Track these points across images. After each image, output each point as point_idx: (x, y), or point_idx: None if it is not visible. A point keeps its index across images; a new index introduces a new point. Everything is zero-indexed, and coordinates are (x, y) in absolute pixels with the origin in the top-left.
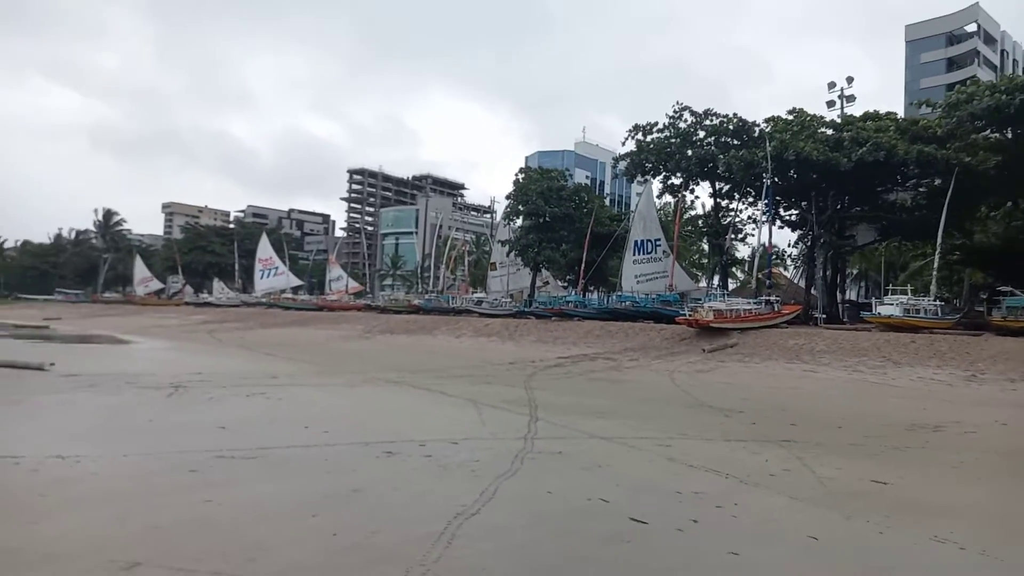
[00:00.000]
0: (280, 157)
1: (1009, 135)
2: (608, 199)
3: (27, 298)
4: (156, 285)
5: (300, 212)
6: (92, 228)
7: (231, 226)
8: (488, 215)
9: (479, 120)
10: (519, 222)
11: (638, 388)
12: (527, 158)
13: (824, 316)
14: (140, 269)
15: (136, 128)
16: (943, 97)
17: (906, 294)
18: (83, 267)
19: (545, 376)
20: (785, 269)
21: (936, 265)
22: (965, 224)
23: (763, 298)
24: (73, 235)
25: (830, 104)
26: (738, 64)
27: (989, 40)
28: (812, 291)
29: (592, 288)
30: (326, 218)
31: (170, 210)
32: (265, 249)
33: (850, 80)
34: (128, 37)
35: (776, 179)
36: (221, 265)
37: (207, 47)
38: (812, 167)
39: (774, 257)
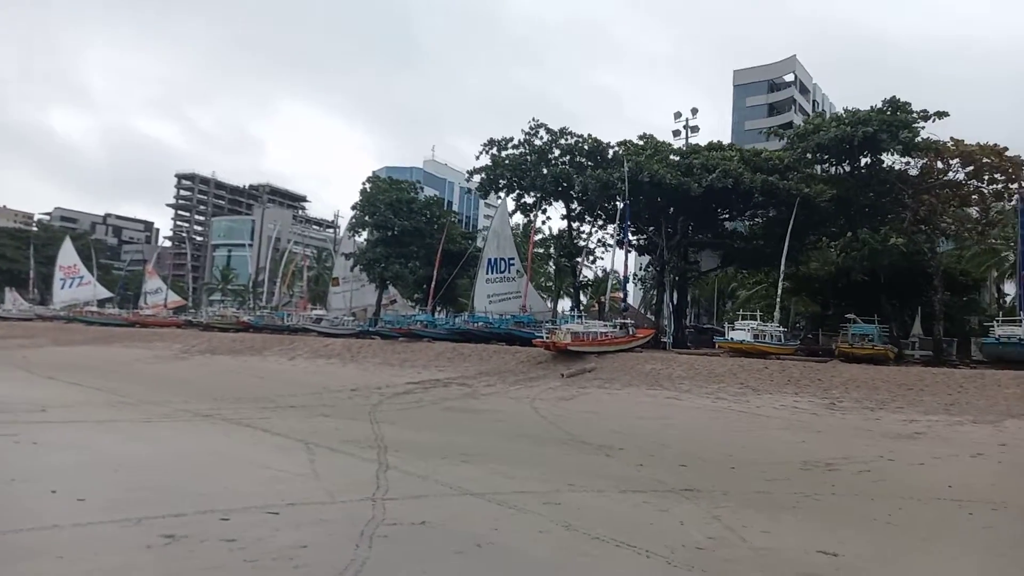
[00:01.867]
0: (105, 157)
1: (847, 168)
2: (456, 219)
3: None
4: None
5: (118, 218)
6: None
7: (28, 227)
8: (332, 230)
9: (334, 136)
10: (365, 235)
11: (500, 420)
12: (375, 172)
13: (671, 341)
14: None
15: None
16: (764, 138)
17: (755, 319)
18: None
19: (393, 405)
20: (625, 293)
21: (780, 291)
22: (799, 255)
23: (618, 321)
24: None
25: (676, 133)
26: (594, 99)
27: (804, 90)
28: (653, 316)
29: (440, 308)
30: (149, 226)
31: None
32: (68, 256)
33: (694, 111)
34: None
35: (629, 201)
36: (14, 272)
37: (31, 30)
38: (665, 191)
39: (615, 282)
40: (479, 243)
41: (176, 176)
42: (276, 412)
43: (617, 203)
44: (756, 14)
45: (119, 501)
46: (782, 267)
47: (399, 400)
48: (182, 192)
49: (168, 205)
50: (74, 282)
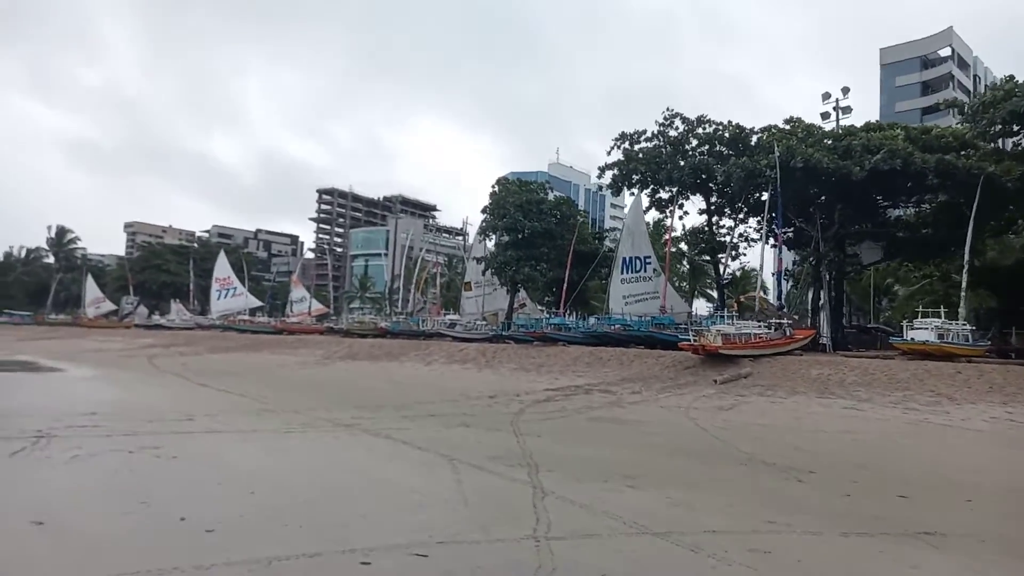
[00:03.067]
0: (256, 177)
1: None
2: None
3: None
4: (108, 306)
5: (268, 233)
6: (44, 246)
7: (188, 244)
8: (460, 237)
9: (460, 143)
10: (495, 239)
11: (655, 432)
12: (499, 178)
13: (830, 343)
14: (92, 289)
15: (110, 143)
16: (918, 120)
17: (938, 317)
18: (33, 287)
19: (536, 414)
20: (764, 291)
21: (964, 284)
22: (976, 243)
23: (774, 321)
24: (23, 253)
25: (824, 116)
26: (723, 88)
27: (963, 65)
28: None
29: (570, 311)
30: (294, 239)
31: (133, 229)
32: (223, 268)
33: (846, 91)
34: (113, 51)
35: (778, 191)
36: (177, 285)
37: (194, 62)
38: (820, 177)
39: (753, 279)
40: (608, 244)
41: (317, 191)
42: (415, 421)
43: (763, 194)
44: None
45: (250, 534)
46: (967, 256)
47: (540, 409)
48: (323, 206)
49: (311, 219)
50: (228, 293)
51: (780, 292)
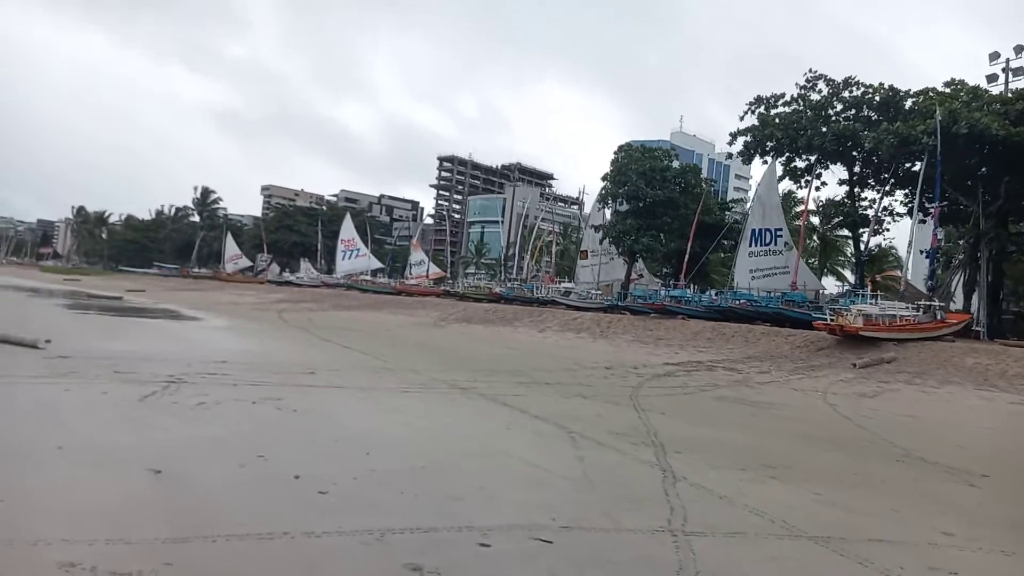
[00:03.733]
0: (382, 144)
1: None
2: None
3: (126, 270)
4: (245, 263)
5: (391, 198)
6: (191, 205)
7: (316, 206)
8: (576, 207)
9: (580, 111)
10: (614, 206)
11: (791, 418)
12: (621, 145)
13: (985, 329)
14: (231, 246)
15: (251, 111)
16: None
17: None
18: (180, 242)
19: (656, 389)
20: (901, 269)
21: None
22: None
23: (924, 303)
24: (173, 211)
25: (991, 78)
26: (860, 51)
27: None
28: (962, 298)
29: (688, 284)
30: (415, 205)
31: (268, 192)
32: (348, 230)
33: (1019, 50)
34: (255, 24)
35: (935, 160)
36: (306, 245)
37: (329, 36)
38: (987, 145)
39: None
40: (732, 215)
41: (438, 159)
42: (531, 389)
43: (914, 164)
44: None
45: (364, 500)
46: None
47: (661, 384)
48: (443, 173)
49: (431, 186)
50: (352, 254)
51: (933, 272)
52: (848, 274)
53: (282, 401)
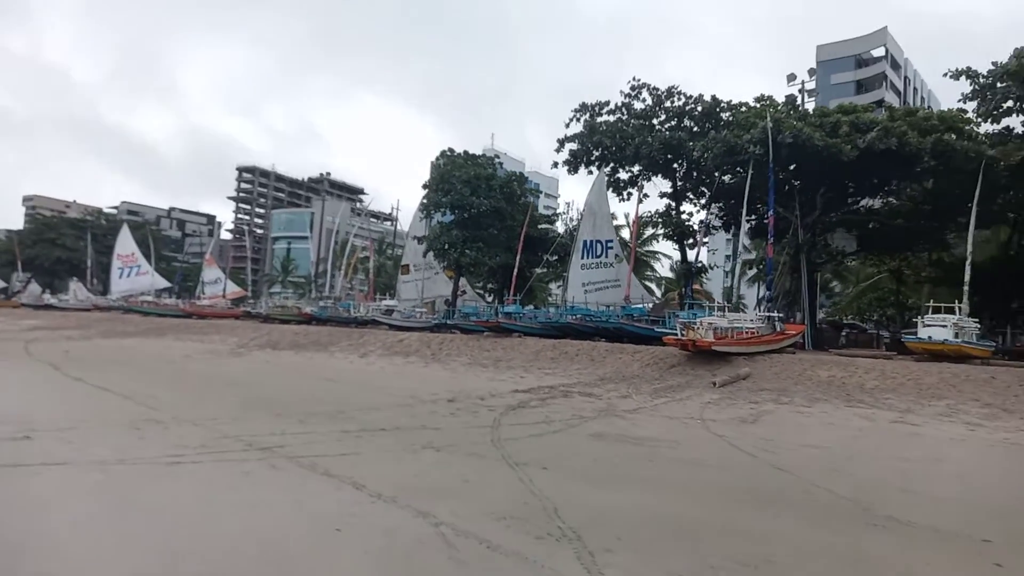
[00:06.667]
0: (184, 156)
1: None
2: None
3: None
4: None
5: (182, 211)
6: None
7: (88, 218)
8: (389, 223)
9: (402, 129)
10: (437, 216)
11: (688, 460)
12: (442, 151)
13: (810, 340)
14: None
15: (25, 110)
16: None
17: (952, 312)
18: None
19: (518, 428)
20: (771, 280)
21: (967, 276)
22: (946, 235)
23: (765, 314)
24: None
25: (789, 99)
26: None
27: (895, 65)
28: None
29: (514, 299)
30: (211, 219)
31: (32, 203)
32: (126, 244)
33: (812, 72)
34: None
35: (772, 166)
36: (74, 262)
37: (129, 36)
38: (809, 155)
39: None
40: (555, 228)
41: (237, 169)
42: (362, 440)
43: (726, 178)
44: None
45: None
46: (969, 246)
47: (519, 419)
48: (243, 184)
49: (229, 198)
50: (132, 271)
51: (771, 282)
52: (655, 288)
53: None
